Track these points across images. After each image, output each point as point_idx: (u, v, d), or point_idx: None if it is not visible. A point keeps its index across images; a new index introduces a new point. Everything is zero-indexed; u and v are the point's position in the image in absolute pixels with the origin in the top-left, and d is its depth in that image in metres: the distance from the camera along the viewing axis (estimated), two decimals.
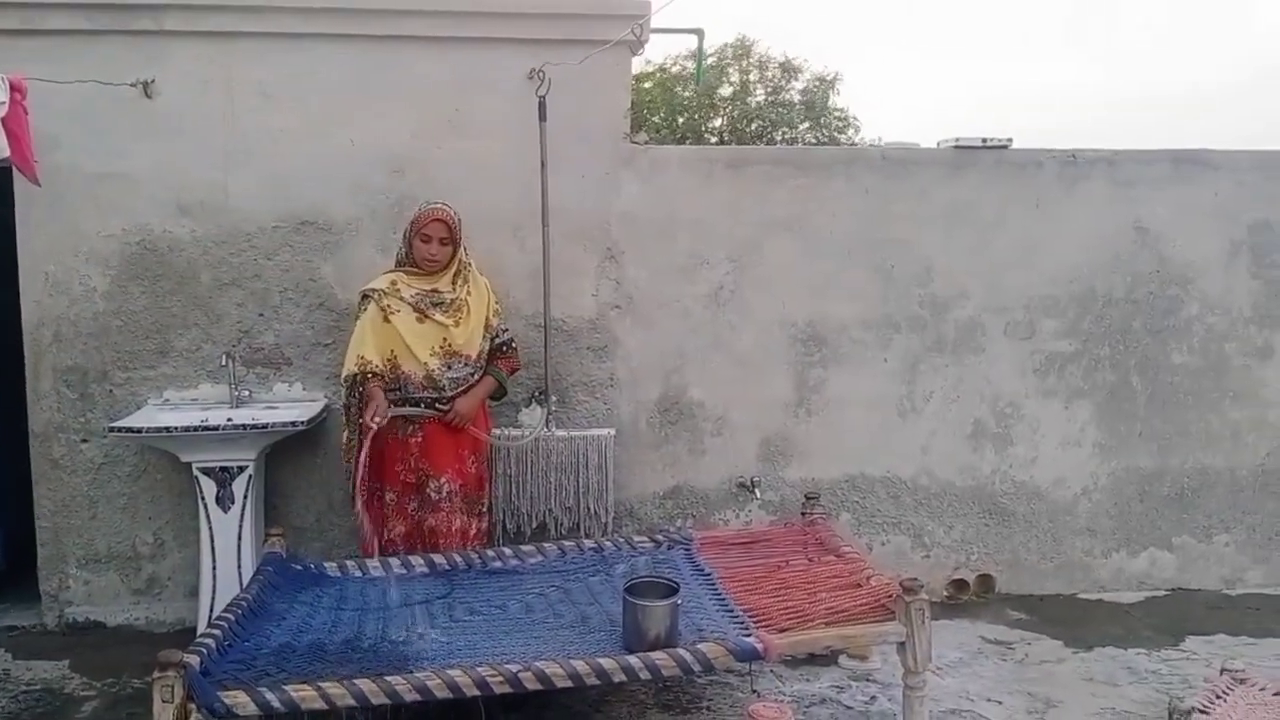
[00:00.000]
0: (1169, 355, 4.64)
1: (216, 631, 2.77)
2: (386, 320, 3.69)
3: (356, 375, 3.66)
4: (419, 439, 3.73)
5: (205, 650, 2.64)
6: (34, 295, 4.08)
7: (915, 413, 4.53)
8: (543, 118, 4.08)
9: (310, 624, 3.01)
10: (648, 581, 3.02)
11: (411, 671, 2.68)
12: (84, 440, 4.16)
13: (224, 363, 4.06)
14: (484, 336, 3.82)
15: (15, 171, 3.59)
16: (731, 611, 3.10)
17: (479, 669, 2.67)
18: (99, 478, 4.18)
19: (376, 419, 3.50)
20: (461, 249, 3.81)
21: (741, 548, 3.68)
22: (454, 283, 3.79)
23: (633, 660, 2.74)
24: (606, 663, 2.73)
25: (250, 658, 2.72)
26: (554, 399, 4.25)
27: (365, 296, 3.76)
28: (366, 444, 3.53)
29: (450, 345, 3.73)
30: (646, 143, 4.52)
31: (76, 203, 4.05)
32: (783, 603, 3.11)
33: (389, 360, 3.70)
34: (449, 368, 3.74)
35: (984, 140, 4.48)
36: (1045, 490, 4.63)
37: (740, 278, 4.39)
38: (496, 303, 3.93)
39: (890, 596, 3.05)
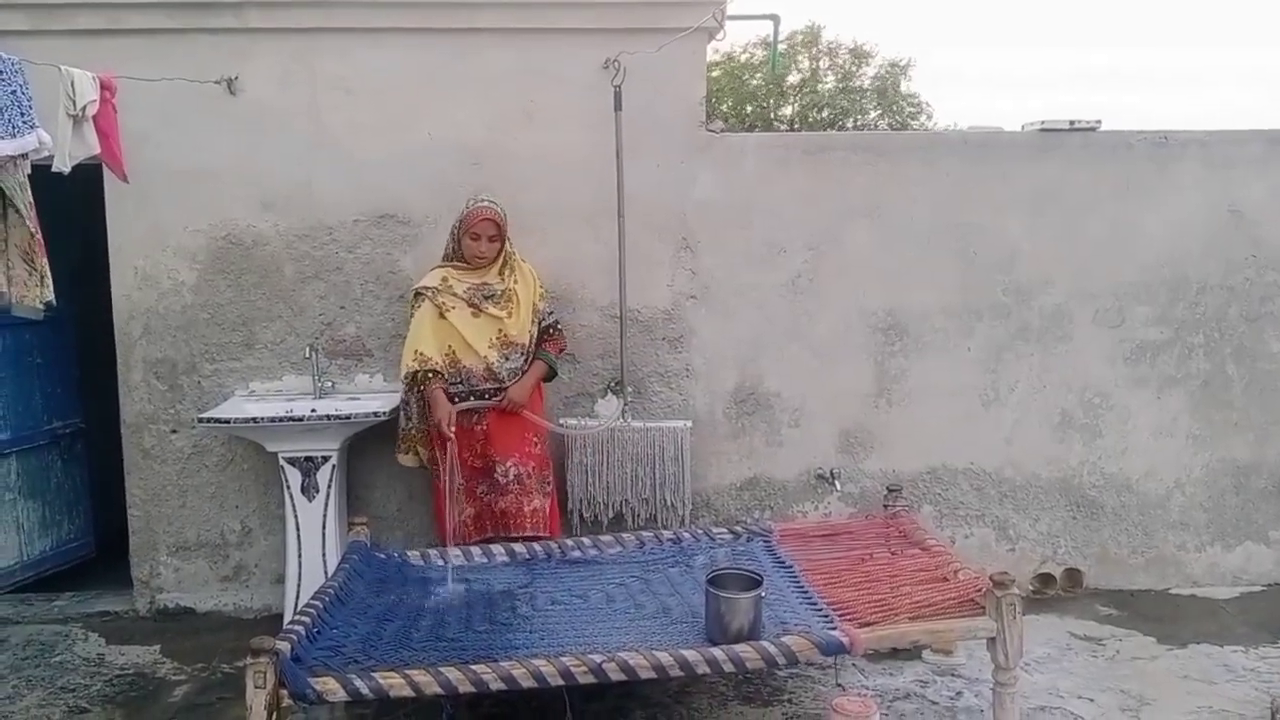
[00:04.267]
0: (1266, 343, 4.46)
1: (305, 619, 2.81)
2: (442, 317, 3.77)
3: (416, 373, 3.75)
4: (483, 427, 3.80)
5: (295, 637, 2.68)
6: (124, 289, 4.18)
7: (999, 403, 4.42)
8: (618, 107, 4.06)
9: (395, 613, 3.04)
10: (730, 573, 2.99)
11: (497, 661, 2.69)
12: (173, 431, 4.26)
13: (307, 355, 4.12)
14: (533, 322, 3.87)
15: (105, 168, 3.70)
16: (815, 604, 3.06)
17: (563, 659, 2.67)
18: (188, 467, 4.28)
19: (452, 428, 3.63)
20: (508, 240, 3.85)
21: (823, 540, 3.63)
22: (502, 274, 3.85)
23: (716, 652, 2.71)
24: (690, 654, 2.71)
25: (338, 645, 2.76)
26: (630, 390, 4.24)
27: (419, 294, 3.83)
28: (452, 452, 3.62)
29: (506, 336, 3.80)
30: (722, 130, 4.47)
31: (164, 198, 4.14)
32: (867, 596, 3.06)
33: (448, 355, 3.79)
34: (506, 359, 3.80)
35: (1071, 122, 4.35)
36: (1136, 482, 4.48)
37: (818, 266, 4.33)
38: (541, 286, 3.96)
39: (979, 591, 2.98)
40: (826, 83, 15.67)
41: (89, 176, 3.83)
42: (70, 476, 4.85)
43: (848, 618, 2.94)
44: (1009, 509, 4.47)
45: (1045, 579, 4.48)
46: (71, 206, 4.15)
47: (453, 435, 3.61)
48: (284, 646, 2.58)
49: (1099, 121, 4.38)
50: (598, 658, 2.67)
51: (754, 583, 2.89)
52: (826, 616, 2.96)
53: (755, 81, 15.61)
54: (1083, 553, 4.50)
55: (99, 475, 4.89)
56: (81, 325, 4.82)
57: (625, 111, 4.06)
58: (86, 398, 4.92)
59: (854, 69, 15.71)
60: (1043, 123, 4.37)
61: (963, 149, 4.36)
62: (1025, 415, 4.43)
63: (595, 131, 4.12)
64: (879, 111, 15.10)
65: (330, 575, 3.28)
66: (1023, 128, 4.46)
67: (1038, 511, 4.47)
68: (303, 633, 2.72)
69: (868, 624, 2.92)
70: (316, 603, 2.94)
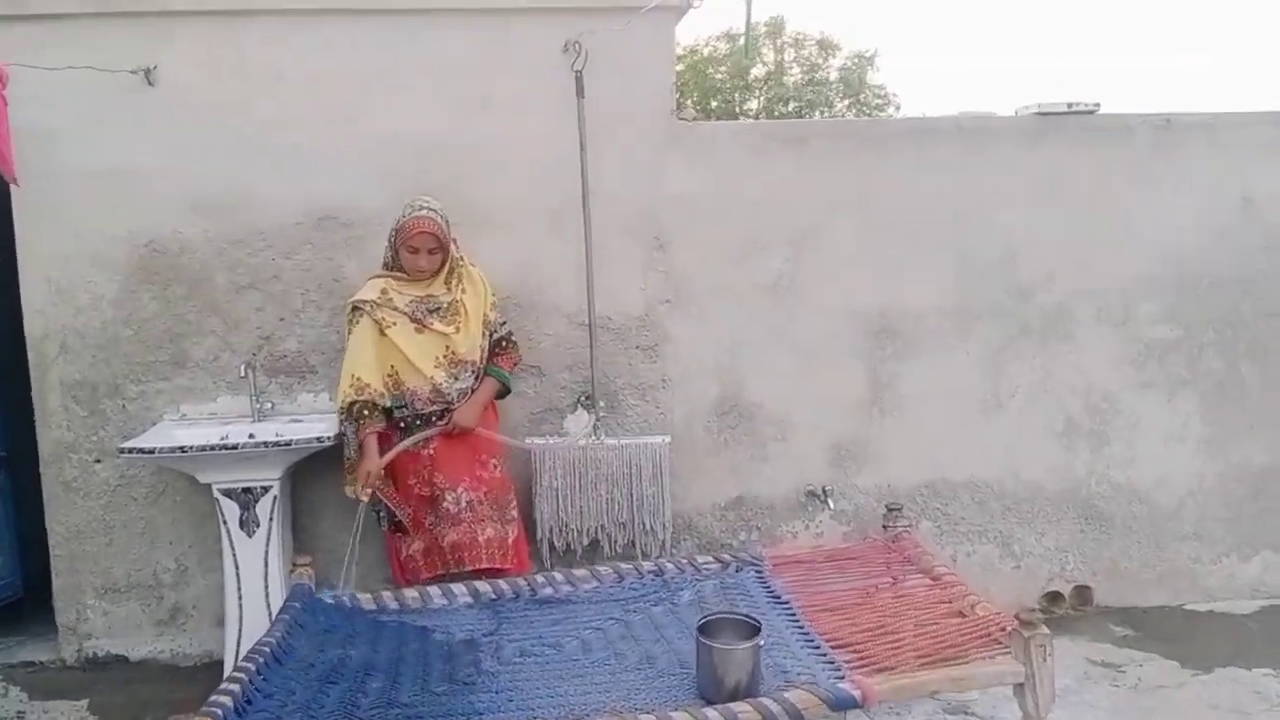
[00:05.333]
0: None
1: (234, 688, 2.42)
2: (383, 334, 3.38)
3: (354, 405, 3.38)
4: (430, 451, 3.45)
5: (220, 712, 2.29)
6: (36, 304, 3.75)
7: (1000, 409, 4.11)
8: (580, 94, 3.71)
9: (341, 672, 2.65)
10: (724, 618, 2.64)
11: None
12: (97, 460, 3.83)
13: (243, 373, 3.71)
14: (483, 336, 3.50)
15: None
16: (818, 648, 2.71)
17: None
18: (114, 500, 3.85)
19: (366, 490, 3.34)
20: (453, 245, 3.46)
21: (820, 569, 3.28)
22: (448, 284, 3.47)
23: (710, 714, 2.35)
24: (680, 717, 2.35)
25: (273, 718, 2.37)
26: (602, 404, 3.89)
27: (355, 309, 3.44)
28: (360, 511, 3.38)
29: (454, 354, 3.43)
30: (694, 119, 4.11)
31: (78, 203, 3.70)
32: (877, 638, 2.72)
33: (390, 377, 3.42)
34: (455, 379, 3.43)
35: (1069, 105, 4.04)
36: (1146, 491, 4.19)
37: (801, 264, 3.99)
38: (493, 295, 3.58)
39: (1002, 629, 2.65)
40: (792, 75, 15.35)
41: None
42: None
43: (857, 664, 2.60)
44: (1013, 523, 4.16)
45: (1053, 597, 4.17)
46: None
47: (365, 498, 3.32)
48: None
49: (1098, 104, 4.07)
50: None
51: (751, 630, 2.54)
52: (833, 664, 2.61)
53: (719, 75, 15.28)
54: (1092, 568, 4.20)
55: (26, 508, 4.43)
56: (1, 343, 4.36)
57: (589, 99, 3.72)
58: (9, 423, 4.46)
59: (821, 61, 15.42)
60: (1039, 105, 4.06)
61: (955, 135, 4.03)
62: (1028, 422, 4.12)
63: (557, 121, 3.76)
64: (846, 103, 14.82)
65: (269, 628, 2.89)
66: (1016, 112, 4.14)
67: (1044, 525, 4.16)
68: (230, 705, 2.33)
69: (881, 670, 2.57)
70: (249, 664, 2.55)
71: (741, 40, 13.47)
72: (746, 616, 2.62)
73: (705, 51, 15.58)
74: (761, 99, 15.02)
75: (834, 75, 15.25)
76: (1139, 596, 4.20)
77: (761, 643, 2.49)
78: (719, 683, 2.46)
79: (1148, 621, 4.06)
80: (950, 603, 2.88)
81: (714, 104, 15.01)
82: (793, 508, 4.08)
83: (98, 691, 3.70)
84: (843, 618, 2.87)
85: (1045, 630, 2.56)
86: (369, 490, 3.32)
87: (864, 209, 4.00)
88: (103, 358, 3.79)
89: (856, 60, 15.30)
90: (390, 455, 3.37)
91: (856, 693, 2.44)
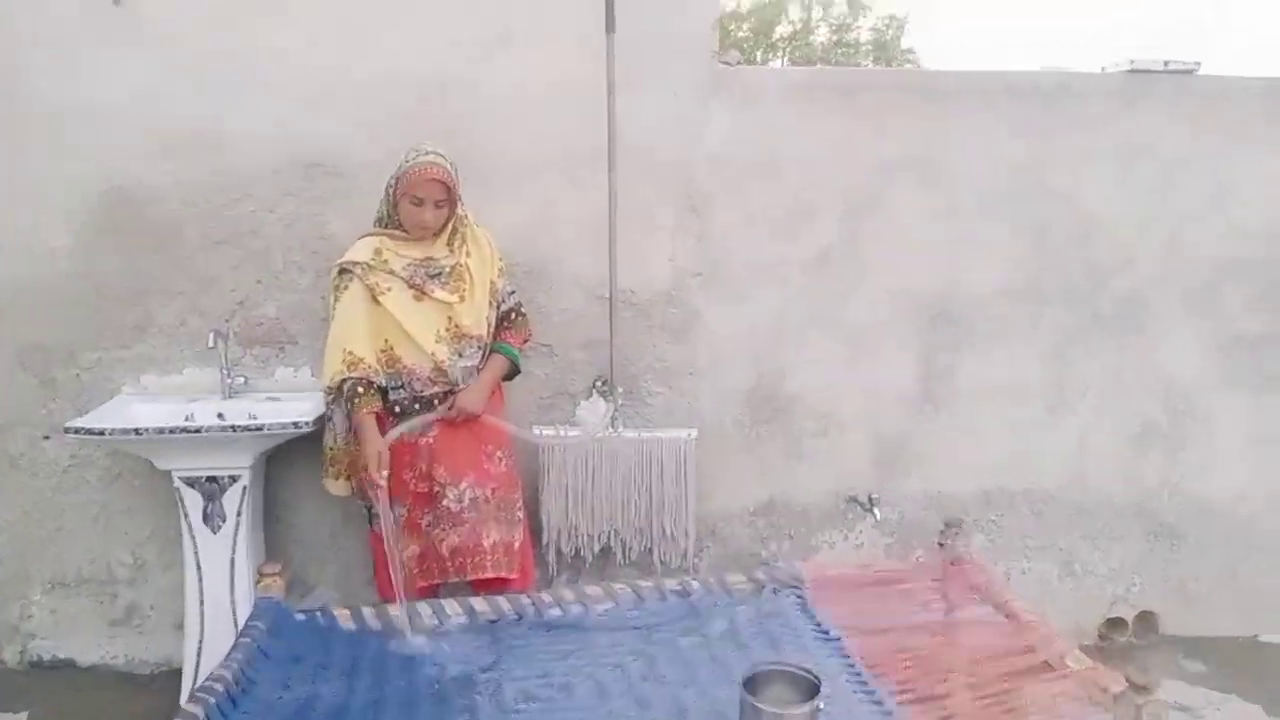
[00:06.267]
0: None
1: None
2: (376, 301, 2.87)
3: (344, 382, 2.87)
4: (429, 440, 2.96)
5: None
6: None
7: (1067, 408, 3.65)
8: (610, 28, 3.19)
9: (308, 717, 2.20)
10: (773, 669, 2.18)
11: None
12: (46, 436, 3.39)
13: (213, 343, 3.24)
14: (491, 306, 3.01)
15: None
16: (880, 704, 2.26)
17: None
18: (65, 482, 3.42)
19: (384, 472, 2.76)
20: (457, 203, 2.96)
21: (869, 594, 2.81)
22: (450, 245, 2.95)
23: None
24: None
25: None
26: (620, 390, 3.42)
27: (344, 272, 2.91)
28: (384, 501, 2.75)
29: (458, 327, 2.93)
30: (739, 62, 3.61)
31: (32, 141, 3.23)
32: (951, 693, 2.27)
33: (384, 352, 2.91)
34: (460, 355, 2.94)
35: (1166, 63, 3.54)
36: (1225, 505, 3.73)
37: (853, 236, 3.52)
38: (500, 259, 3.09)
39: (1102, 690, 2.20)
40: (819, 35, 14.69)
41: None
42: None
43: None
44: (1075, 538, 3.72)
45: (1114, 624, 3.73)
46: None
47: (384, 482, 2.76)
48: None
49: (1198, 63, 3.57)
50: None
51: (806, 685, 2.09)
52: None
53: (742, 33, 14.63)
54: (1159, 590, 3.76)
55: None
56: None
57: (620, 34, 3.20)
58: None
59: (851, 20, 14.74)
60: (1131, 63, 3.56)
61: (1032, 94, 3.52)
62: (1099, 423, 3.67)
63: (577, 61, 3.24)
64: (877, 66, 14.19)
65: (227, 653, 2.43)
66: (1103, 69, 3.64)
67: (1109, 541, 3.72)
68: None
69: None
70: (196, 708, 2.10)
71: None
72: (804, 671, 2.16)
73: (728, 8, 14.93)
74: (786, 58, 14.38)
75: (864, 36, 14.59)
76: (1208, 624, 3.76)
77: (822, 705, 2.04)
78: None
79: (1219, 655, 3.61)
80: (1034, 650, 2.42)
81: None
82: (830, 515, 3.63)
83: (40, 701, 3.29)
84: (903, 663, 2.42)
85: (1162, 698, 2.11)
86: (385, 472, 2.78)
87: (925, 174, 3.51)
88: (56, 319, 3.33)
89: (889, 21, 14.63)
90: (395, 433, 2.88)
91: None
